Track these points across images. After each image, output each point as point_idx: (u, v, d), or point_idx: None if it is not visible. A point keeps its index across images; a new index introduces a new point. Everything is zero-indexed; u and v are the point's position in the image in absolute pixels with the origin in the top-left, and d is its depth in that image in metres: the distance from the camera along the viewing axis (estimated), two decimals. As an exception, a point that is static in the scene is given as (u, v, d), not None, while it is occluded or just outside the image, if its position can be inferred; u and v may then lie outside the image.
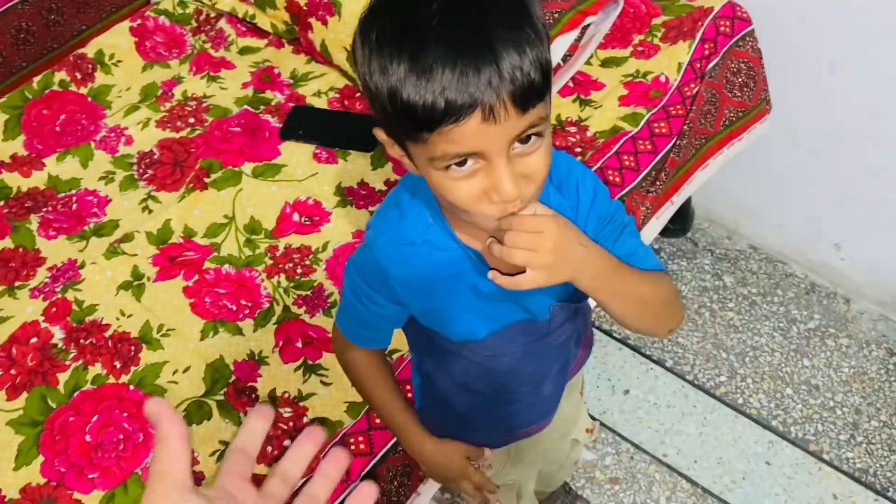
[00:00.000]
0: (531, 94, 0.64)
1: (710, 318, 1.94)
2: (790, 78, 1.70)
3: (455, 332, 0.88)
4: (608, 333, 1.92)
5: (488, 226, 0.71)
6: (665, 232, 2.07)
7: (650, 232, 1.54)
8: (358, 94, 1.64)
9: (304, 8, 1.62)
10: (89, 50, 1.73)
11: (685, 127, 1.53)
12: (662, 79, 1.58)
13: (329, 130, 1.59)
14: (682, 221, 2.04)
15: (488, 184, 0.67)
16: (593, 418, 1.79)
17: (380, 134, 0.72)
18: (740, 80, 1.63)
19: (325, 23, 1.59)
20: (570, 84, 1.61)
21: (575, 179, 0.82)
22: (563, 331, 0.93)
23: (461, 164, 0.66)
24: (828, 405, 1.79)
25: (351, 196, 1.49)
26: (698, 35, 1.58)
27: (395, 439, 1.16)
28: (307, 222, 1.45)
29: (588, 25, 1.55)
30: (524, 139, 0.66)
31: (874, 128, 1.67)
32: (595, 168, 1.44)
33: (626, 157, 1.48)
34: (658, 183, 1.49)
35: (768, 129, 1.68)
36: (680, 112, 1.54)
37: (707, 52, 1.57)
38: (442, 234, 0.80)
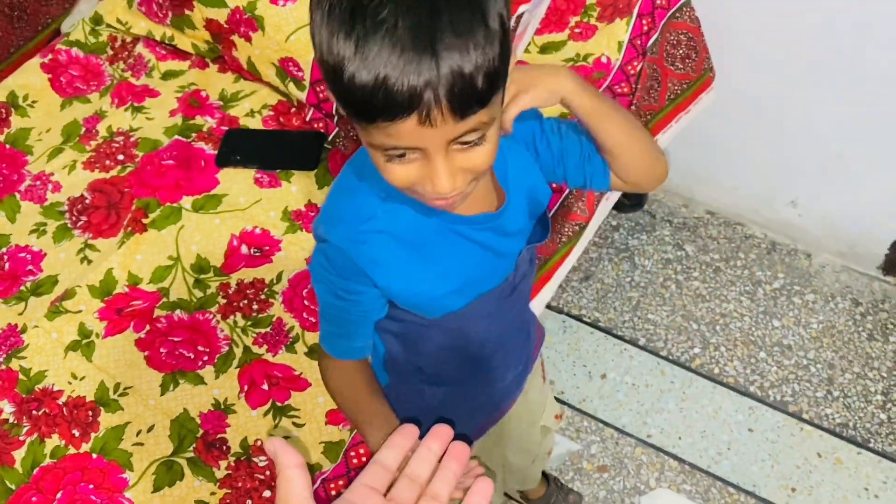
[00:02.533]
0: (471, 100, 0.61)
1: (676, 291, 1.92)
2: (730, 41, 1.67)
3: (432, 307, 0.87)
4: (578, 318, 1.89)
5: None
6: (621, 208, 2.05)
7: (603, 210, 1.51)
8: (293, 110, 1.57)
9: (225, 26, 1.53)
10: (0, 93, 1.62)
11: (632, 106, 1.49)
12: (604, 59, 1.54)
13: (268, 152, 1.52)
14: (636, 196, 2.02)
15: (425, 174, 0.66)
16: (573, 407, 1.77)
17: (330, 93, 0.68)
18: (681, 51, 1.60)
19: (248, 39, 1.51)
20: (511, 75, 1.56)
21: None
22: (520, 291, 0.96)
23: (401, 155, 0.65)
24: (801, 364, 1.79)
25: (300, 220, 1.42)
26: (635, 11, 1.54)
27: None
28: (257, 254, 1.39)
29: (522, 14, 1.49)
30: (464, 142, 0.65)
31: (817, 84, 1.66)
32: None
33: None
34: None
35: (715, 97, 1.65)
36: (625, 90, 1.50)
37: (646, 28, 1.53)
38: (403, 198, 0.76)
